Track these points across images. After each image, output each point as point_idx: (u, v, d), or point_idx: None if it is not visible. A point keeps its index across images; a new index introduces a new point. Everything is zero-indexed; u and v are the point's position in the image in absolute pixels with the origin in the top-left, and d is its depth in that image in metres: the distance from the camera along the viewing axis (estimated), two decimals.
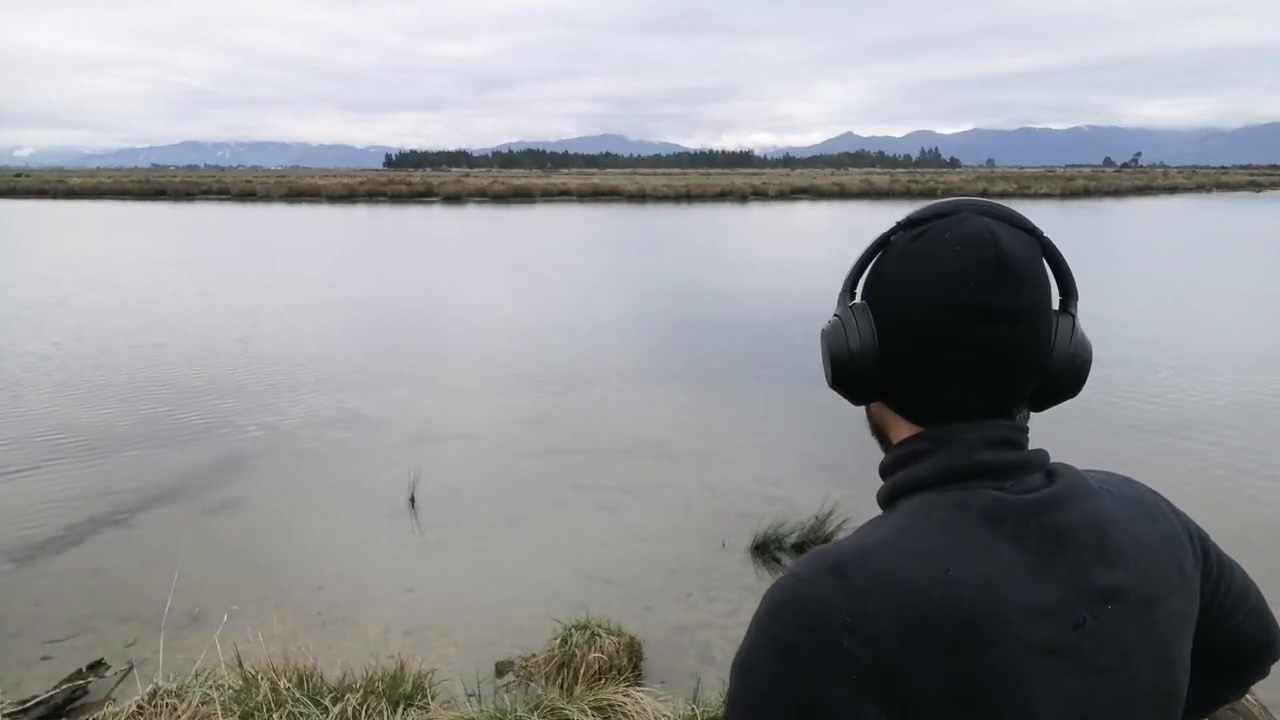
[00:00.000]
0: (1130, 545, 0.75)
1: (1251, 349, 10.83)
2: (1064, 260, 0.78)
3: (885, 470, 0.80)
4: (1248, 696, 2.01)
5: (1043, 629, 0.68)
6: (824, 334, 0.80)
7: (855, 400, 0.81)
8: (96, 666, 3.92)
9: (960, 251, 0.73)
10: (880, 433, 0.84)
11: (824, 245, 24.11)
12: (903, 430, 0.80)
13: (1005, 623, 0.67)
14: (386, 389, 9.21)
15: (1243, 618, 0.85)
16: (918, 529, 0.71)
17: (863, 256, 0.80)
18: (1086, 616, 0.70)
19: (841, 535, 5.20)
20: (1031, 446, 0.78)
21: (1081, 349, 0.78)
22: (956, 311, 0.73)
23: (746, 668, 0.70)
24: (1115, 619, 0.72)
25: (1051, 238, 0.80)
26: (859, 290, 0.81)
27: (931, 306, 0.74)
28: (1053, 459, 0.79)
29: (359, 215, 41.02)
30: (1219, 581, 0.83)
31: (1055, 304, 0.78)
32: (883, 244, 0.79)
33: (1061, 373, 0.77)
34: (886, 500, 0.79)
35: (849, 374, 0.78)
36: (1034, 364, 0.76)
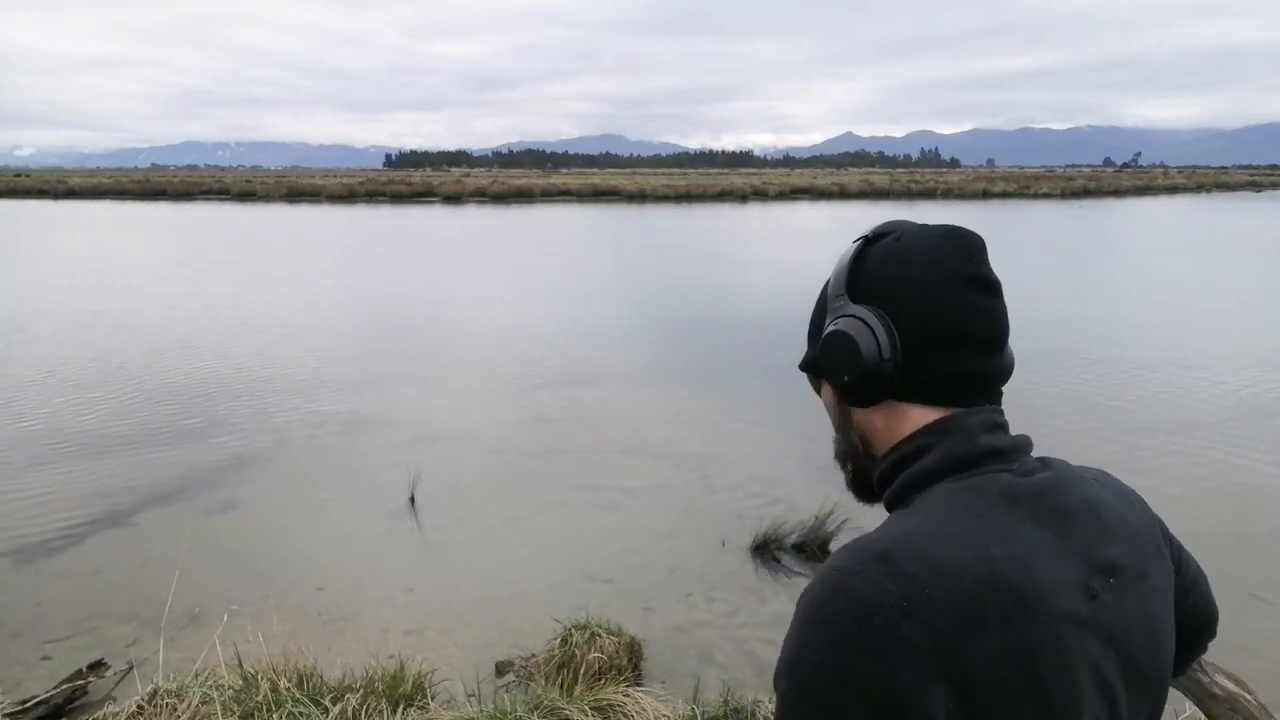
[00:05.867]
0: (1120, 526, 0.81)
1: (1253, 349, 10.83)
2: None
3: (887, 474, 0.83)
4: (1247, 695, 2.01)
5: (1071, 601, 0.72)
6: (840, 338, 0.81)
7: (867, 402, 0.83)
8: (96, 666, 3.91)
9: (946, 239, 0.82)
10: (864, 442, 0.86)
11: (824, 245, 24.12)
12: (903, 427, 0.82)
13: (1043, 596, 0.71)
14: (387, 389, 9.21)
15: (1193, 601, 0.91)
16: (946, 515, 0.74)
17: (850, 263, 0.85)
18: (1099, 589, 0.75)
19: (841, 535, 5.23)
20: (1033, 445, 0.83)
21: None
22: (961, 280, 0.80)
23: (799, 666, 0.70)
24: (1118, 592, 0.77)
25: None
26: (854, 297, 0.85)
27: (940, 281, 0.80)
28: (1053, 456, 0.84)
29: (359, 215, 41.01)
30: (1180, 566, 0.90)
31: None
32: (860, 252, 0.85)
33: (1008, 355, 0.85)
34: (898, 498, 0.81)
35: (879, 373, 0.80)
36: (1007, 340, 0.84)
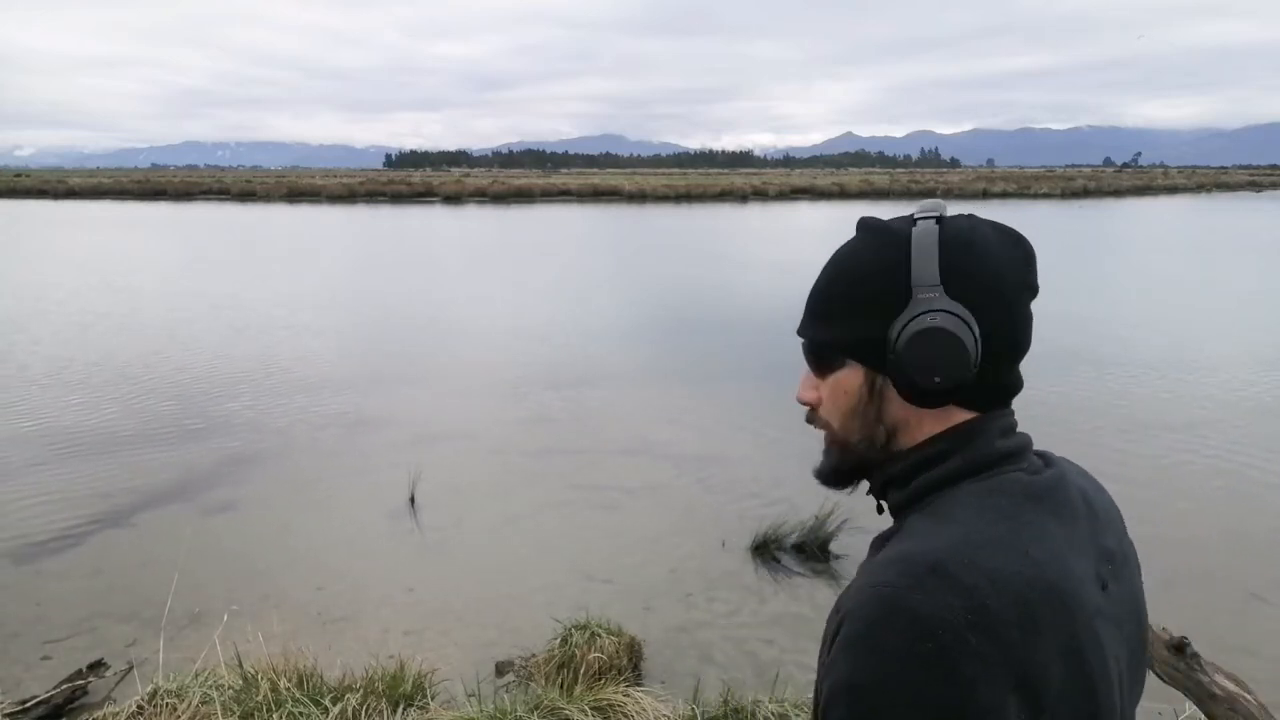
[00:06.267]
0: (1104, 513, 0.83)
1: (1253, 349, 10.83)
2: None
3: (899, 476, 0.80)
4: (1246, 695, 2.01)
5: (1094, 594, 0.74)
6: (944, 338, 0.73)
7: (934, 404, 0.77)
8: (96, 666, 3.92)
9: (1011, 243, 0.80)
10: (890, 437, 0.81)
11: (824, 245, 24.10)
12: (931, 427, 0.79)
13: (1078, 594, 0.72)
14: (387, 389, 9.21)
15: None
16: (980, 519, 0.72)
17: (940, 250, 0.76)
18: (1106, 579, 0.77)
19: (841, 535, 5.23)
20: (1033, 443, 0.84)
21: None
22: (1025, 289, 0.79)
23: (864, 692, 0.66)
24: (1115, 578, 0.78)
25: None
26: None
27: (1014, 288, 0.78)
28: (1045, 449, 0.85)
29: (359, 215, 41.00)
30: None
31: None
32: (941, 238, 0.77)
33: None
34: (911, 501, 0.79)
35: (968, 379, 0.75)
36: None
